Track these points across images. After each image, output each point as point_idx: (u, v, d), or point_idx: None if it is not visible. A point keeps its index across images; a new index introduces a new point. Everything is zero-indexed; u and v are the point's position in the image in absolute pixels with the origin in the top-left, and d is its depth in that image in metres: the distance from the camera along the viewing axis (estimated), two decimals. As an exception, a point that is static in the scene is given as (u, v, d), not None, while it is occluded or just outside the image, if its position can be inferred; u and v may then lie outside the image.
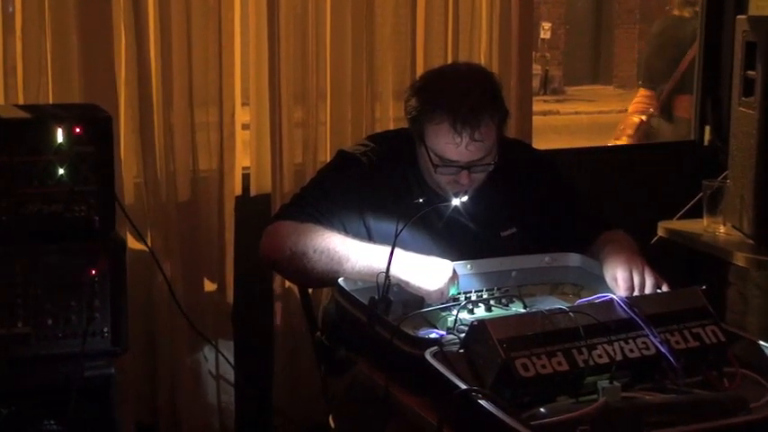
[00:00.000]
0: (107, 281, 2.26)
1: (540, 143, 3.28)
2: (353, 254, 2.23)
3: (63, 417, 2.24)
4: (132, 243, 2.81)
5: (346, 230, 2.33)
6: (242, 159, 3.17)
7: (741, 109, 3.05)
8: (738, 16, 3.19)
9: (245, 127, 3.19)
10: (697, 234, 3.16)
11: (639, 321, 1.86)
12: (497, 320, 1.86)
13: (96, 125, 2.28)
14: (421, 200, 2.24)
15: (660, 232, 3.30)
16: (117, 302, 2.28)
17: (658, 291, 2.18)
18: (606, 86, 17.17)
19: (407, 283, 2.14)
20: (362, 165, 2.43)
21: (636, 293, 2.15)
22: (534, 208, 2.49)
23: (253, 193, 3.20)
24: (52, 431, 2.27)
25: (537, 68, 14.36)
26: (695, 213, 3.28)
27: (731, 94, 3.16)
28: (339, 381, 2.34)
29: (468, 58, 3.33)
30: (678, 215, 3.42)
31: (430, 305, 2.11)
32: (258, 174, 3.19)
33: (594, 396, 1.75)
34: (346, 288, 2.16)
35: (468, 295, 2.20)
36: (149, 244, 2.90)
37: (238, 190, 3.16)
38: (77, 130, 2.24)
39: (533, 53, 4.03)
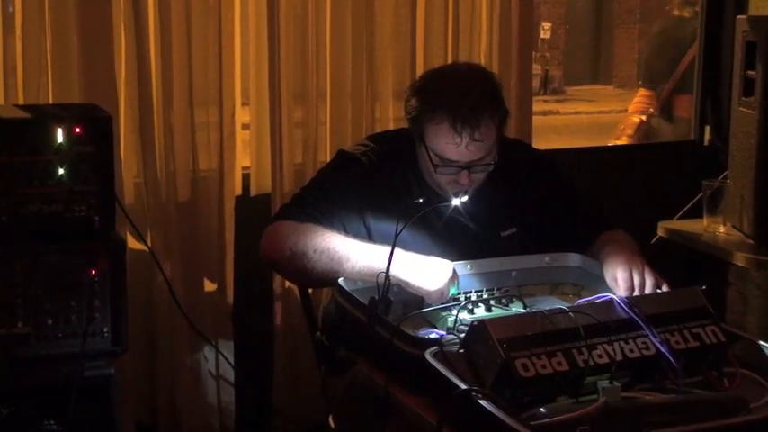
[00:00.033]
0: (107, 281, 2.26)
1: (539, 143, 3.28)
2: (353, 254, 2.23)
3: (63, 417, 2.24)
4: (132, 243, 2.82)
5: (346, 230, 2.33)
6: (242, 159, 3.17)
7: (741, 109, 3.05)
8: (738, 16, 3.19)
9: (245, 127, 3.19)
10: (697, 234, 3.16)
11: (639, 321, 1.86)
12: (497, 320, 1.86)
13: (96, 125, 2.28)
14: (421, 200, 2.24)
15: (660, 232, 3.30)
16: (117, 302, 2.28)
17: (658, 291, 2.18)
18: (606, 86, 17.17)
19: (407, 283, 2.14)
20: (362, 165, 2.43)
21: (636, 293, 2.15)
22: (534, 208, 2.49)
23: (253, 193, 3.20)
24: (52, 431, 2.27)
25: (537, 68, 14.36)
26: (695, 213, 3.28)
27: (731, 94, 3.16)
28: (339, 381, 2.34)
29: (468, 58, 3.33)
30: (678, 215, 3.42)
31: (430, 305, 2.11)
32: (258, 174, 3.19)
33: (594, 396, 1.75)
34: (346, 288, 2.16)
35: (468, 295, 2.20)
36: (149, 244, 2.90)
37: (238, 190, 3.16)
38: (77, 130, 2.24)
39: (533, 53, 4.03)
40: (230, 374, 3.17)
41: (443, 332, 2.01)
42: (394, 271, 2.11)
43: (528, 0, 3.45)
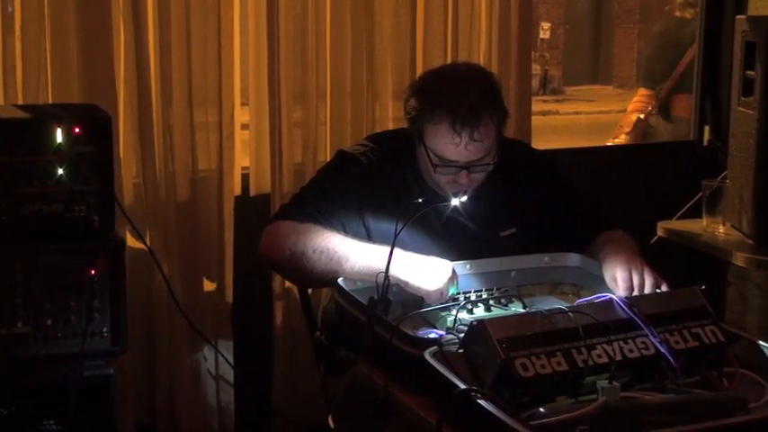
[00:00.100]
0: (106, 281, 2.26)
1: (539, 143, 3.28)
2: (353, 254, 2.23)
3: (63, 417, 2.24)
4: (132, 243, 2.81)
5: (346, 230, 2.33)
6: (241, 159, 3.17)
7: (740, 109, 3.05)
8: (738, 16, 3.19)
9: (244, 127, 3.19)
10: (696, 234, 3.16)
11: (639, 321, 1.86)
12: (497, 320, 1.86)
13: (96, 125, 2.28)
14: (420, 200, 2.24)
15: (659, 232, 3.30)
16: (116, 302, 2.28)
17: (658, 291, 2.18)
18: (606, 86, 17.17)
19: (407, 283, 2.14)
20: (362, 165, 2.43)
21: (635, 293, 2.15)
22: (534, 208, 2.49)
23: (252, 192, 3.20)
24: (52, 431, 2.27)
25: (536, 68, 14.38)
26: (694, 213, 3.28)
27: (730, 94, 3.16)
28: (339, 381, 2.34)
29: (467, 58, 3.33)
30: (677, 215, 3.42)
31: (429, 305, 2.11)
32: (257, 174, 3.19)
33: (594, 396, 1.75)
34: (346, 288, 2.16)
35: (467, 295, 2.20)
36: (149, 244, 2.90)
37: (238, 190, 3.16)
38: (77, 130, 2.24)
39: (533, 53, 4.03)
40: (230, 374, 3.17)
41: (443, 332, 2.01)
42: (393, 271, 2.11)
43: (527, 0, 3.45)
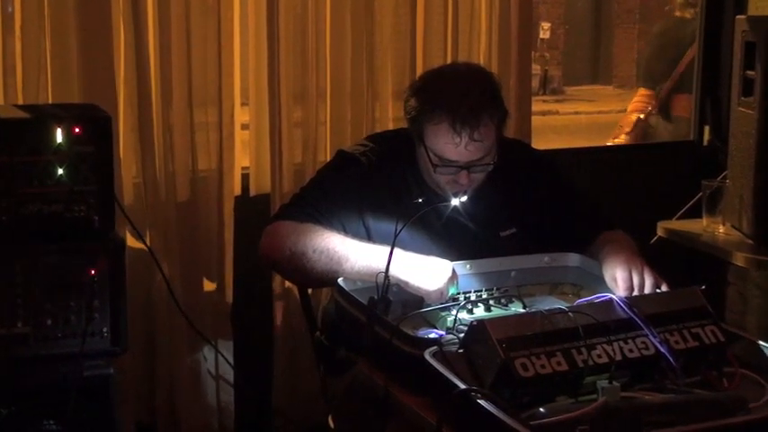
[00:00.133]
0: (106, 281, 2.26)
1: (539, 143, 3.28)
2: (353, 254, 2.23)
3: (63, 417, 2.24)
4: (132, 243, 2.81)
5: (346, 230, 2.33)
6: (241, 159, 3.17)
7: (740, 109, 3.05)
8: (738, 16, 3.19)
9: (244, 127, 3.19)
10: (696, 234, 3.16)
11: (639, 321, 1.86)
12: (497, 320, 1.86)
13: (96, 125, 2.28)
14: (420, 200, 2.24)
15: (659, 232, 3.30)
16: (116, 302, 2.28)
17: (658, 291, 2.18)
18: (605, 86, 17.17)
19: (407, 283, 2.14)
20: (362, 165, 2.43)
21: (635, 293, 2.15)
22: (534, 208, 2.49)
23: (252, 193, 3.20)
24: (52, 431, 2.27)
25: (536, 68, 14.37)
26: (694, 213, 3.28)
27: (730, 94, 3.16)
28: (339, 381, 2.34)
29: (467, 58, 3.33)
30: (677, 215, 3.42)
31: (429, 305, 2.11)
32: (257, 174, 3.19)
33: (594, 396, 1.75)
34: (346, 288, 2.16)
35: (467, 295, 2.20)
36: (148, 244, 2.90)
37: (238, 190, 3.16)
38: (77, 130, 2.24)
39: (533, 53, 4.03)
40: (230, 374, 3.17)
41: (443, 332, 2.01)
42: (393, 271, 2.11)
43: (527, 0, 3.45)
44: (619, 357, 1.80)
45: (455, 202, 2.30)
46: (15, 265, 2.21)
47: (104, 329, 2.27)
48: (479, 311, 2.12)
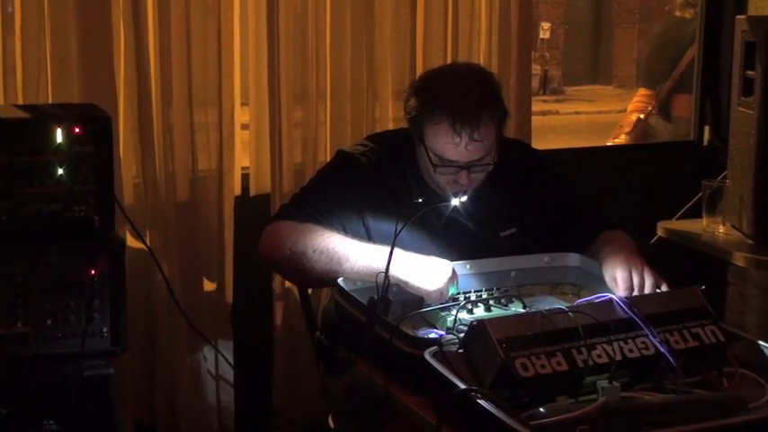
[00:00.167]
0: (106, 281, 2.26)
1: (539, 143, 3.28)
2: (353, 254, 2.23)
3: (62, 417, 2.24)
4: (131, 243, 2.81)
5: (346, 230, 2.33)
6: (241, 159, 3.17)
7: (740, 109, 3.05)
8: (738, 16, 3.19)
9: (244, 127, 3.19)
10: (696, 234, 3.16)
11: (639, 321, 1.86)
12: (497, 320, 1.86)
13: (96, 125, 2.28)
14: (420, 200, 2.24)
15: (659, 232, 3.30)
16: (116, 302, 2.28)
17: (657, 291, 2.18)
18: (605, 86, 17.17)
19: (407, 283, 2.14)
20: (362, 165, 2.43)
21: (635, 293, 2.15)
22: (534, 208, 2.49)
23: (252, 192, 3.20)
24: (52, 431, 2.27)
25: (536, 68, 14.37)
26: (694, 213, 3.28)
27: (730, 94, 3.16)
28: (338, 381, 2.34)
29: (467, 58, 3.33)
30: (677, 215, 3.42)
31: (429, 305, 2.11)
32: (257, 174, 3.19)
33: (594, 396, 1.75)
34: (345, 288, 2.16)
35: (467, 295, 2.20)
36: (148, 244, 2.90)
37: (238, 190, 3.16)
38: (77, 129, 2.24)
39: (532, 53, 4.03)
40: (229, 374, 3.17)
41: (443, 332, 2.01)
42: (393, 271, 2.11)
43: (527, 0, 3.45)
44: (619, 357, 1.80)
45: (455, 202, 2.30)
46: (15, 265, 2.21)
47: (104, 329, 2.27)
48: (479, 311, 2.12)
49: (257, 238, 2.40)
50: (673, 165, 3.94)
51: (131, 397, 3.03)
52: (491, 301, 2.15)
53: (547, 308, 1.87)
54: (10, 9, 2.86)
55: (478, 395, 1.66)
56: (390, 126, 3.24)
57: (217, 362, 3.14)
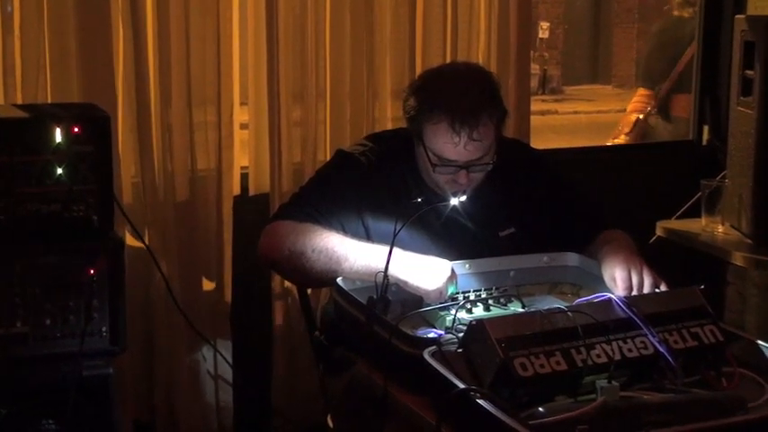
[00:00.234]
0: (105, 280, 2.26)
1: (538, 143, 3.28)
2: (352, 253, 2.23)
3: (62, 416, 2.24)
4: (131, 242, 2.82)
5: (345, 230, 2.33)
6: (240, 159, 3.17)
7: (739, 108, 3.05)
8: (737, 16, 3.20)
9: (243, 126, 3.19)
10: (695, 234, 3.16)
11: (638, 321, 1.86)
12: (496, 320, 1.86)
13: (95, 125, 2.28)
14: (419, 199, 2.24)
15: (658, 232, 3.30)
16: (115, 302, 2.28)
17: (657, 290, 2.18)
18: (605, 86, 17.17)
19: (406, 283, 2.14)
20: (361, 164, 2.43)
21: (634, 293, 2.15)
22: (533, 208, 2.49)
23: (251, 192, 3.20)
24: (51, 431, 2.27)
25: (535, 68, 14.37)
26: (694, 213, 3.28)
27: (729, 94, 3.16)
28: (338, 380, 2.34)
29: (466, 58, 3.33)
30: (676, 215, 3.42)
31: (428, 305, 2.11)
32: (257, 173, 3.19)
33: (593, 395, 1.75)
34: (345, 288, 2.16)
35: (466, 295, 2.20)
36: (148, 243, 2.90)
37: (237, 189, 3.16)
38: (76, 129, 2.24)
39: (532, 53, 4.03)
40: (229, 374, 3.17)
41: (442, 332, 2.01)
42: (392, 270, 2.11)
43: (526, 0, 3.45)
44: (618, 357, 1.80)
45: (454, 201, 2.30)
46: (14, 265, 2.21)
47: (103, 329, 2.27)
48: (478, 311, 2.12)
49: (256, 238, 2.40)
50: (672, 164, 3.94)
51: (130, 396, 3.03)
52: (490, 301, 2.15)
53: (546, 307, 1.87)
54: (9, 9, 2.86)
55: (478, 395, 1.66)
56: (390, 126, 3.24)
57: (216, 361, 3.14)
